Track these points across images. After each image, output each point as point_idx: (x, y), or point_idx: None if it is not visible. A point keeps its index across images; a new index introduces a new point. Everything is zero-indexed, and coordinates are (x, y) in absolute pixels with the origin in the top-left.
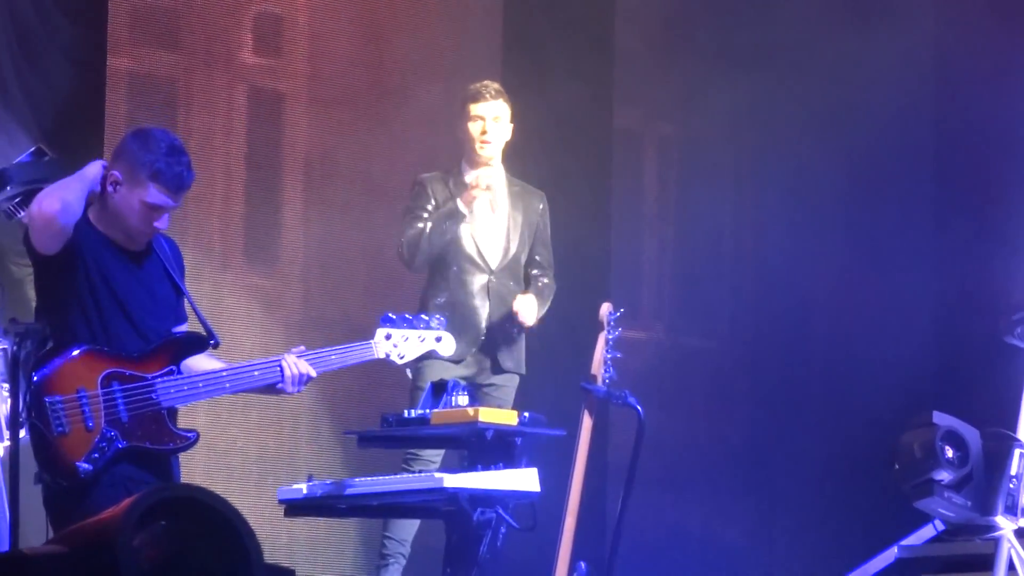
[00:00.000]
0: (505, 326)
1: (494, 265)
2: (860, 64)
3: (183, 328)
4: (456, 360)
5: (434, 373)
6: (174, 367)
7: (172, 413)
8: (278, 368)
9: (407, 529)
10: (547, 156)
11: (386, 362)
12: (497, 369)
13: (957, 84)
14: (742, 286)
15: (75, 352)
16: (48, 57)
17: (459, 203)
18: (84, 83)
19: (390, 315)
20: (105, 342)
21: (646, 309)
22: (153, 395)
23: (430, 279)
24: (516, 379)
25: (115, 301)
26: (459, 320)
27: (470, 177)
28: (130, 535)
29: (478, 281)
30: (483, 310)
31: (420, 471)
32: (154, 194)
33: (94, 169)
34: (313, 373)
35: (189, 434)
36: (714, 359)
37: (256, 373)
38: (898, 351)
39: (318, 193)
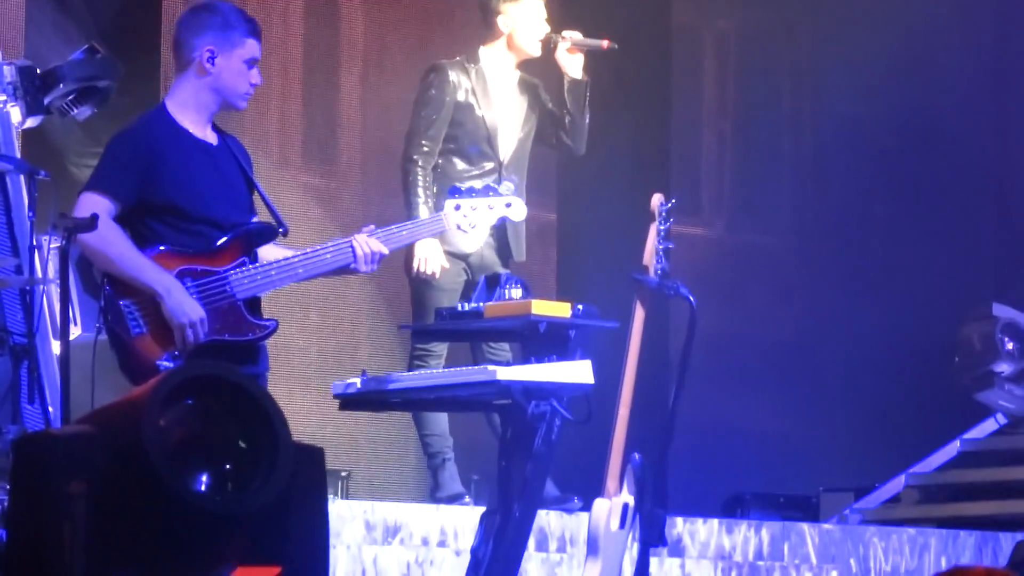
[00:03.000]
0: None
1: (504, 157)
2: None
3: (255, 220)
4: (464, 255)
5: (439, 275)
6: (246, 258)
7: (251, 304)
8: (350, 248)
9: (442, 422)
10: (605, 53)
11: (457, 232)
12: (506, 263)
13: None
14: (801, 180)
15: (147, 253)
16: None
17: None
18: None
19: (458, 186)
20: (188, 237)
21: (706, 206)
22: (228, 287)
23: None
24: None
25: (197, 196)
26: None
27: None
28: (156, 414)
29: (489, 179)
30: None
31: (436, 366)
32: (252, 47)
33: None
34: (385, 250)
35: (268, 323)
36: (774, 254)
37: (328, 256)
38: (958, 242)
39: (375, 90)
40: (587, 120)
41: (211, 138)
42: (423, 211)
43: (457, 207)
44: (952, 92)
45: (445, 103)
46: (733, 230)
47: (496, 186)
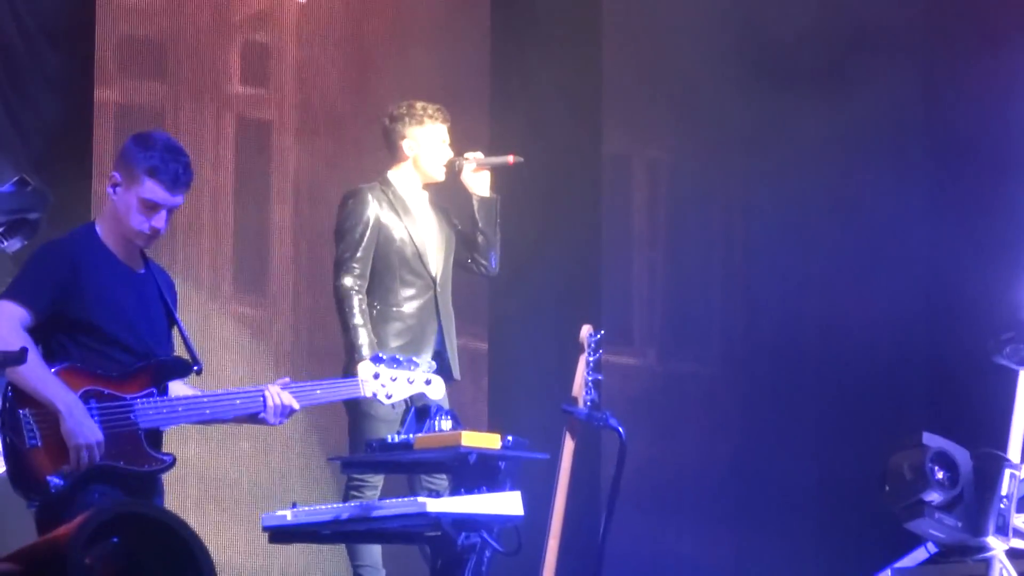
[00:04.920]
0: (451, 339)
1: (436, 273)
2: (852, 85)
3: (171, 353)
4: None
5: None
6: (155, 389)
7: (152, 435)
8: (260, 398)
9: (375, 554)
10: (536, 181)
11: (372, 400)
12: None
13: (948, 102)
14: (732, 309)
15: (54, 368)
16: (36, 88)
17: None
18: (72, 114)
19: (380, 355)
20: (99, 358)
21: (638, 335)
22: (131, 415)
23: (367, 294)
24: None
25: (113, 319)
26: (412, 342)
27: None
28: (82, 552)
29: (425, 297)
30: (432, 328)
31: (371, 496)
32: (150, 189)
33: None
34: (296, 406)
35: (165, 456)
36: (706, 384)
37: (238, 402)
38: (889, 372)
39: (307, 222)
40: (499, 238)
41: (137, 264)
42: (362, 335)
43: (376, 375)
44: (885, 221)
45: (369, 225)
46: (665, 359)
47: (418, 360)
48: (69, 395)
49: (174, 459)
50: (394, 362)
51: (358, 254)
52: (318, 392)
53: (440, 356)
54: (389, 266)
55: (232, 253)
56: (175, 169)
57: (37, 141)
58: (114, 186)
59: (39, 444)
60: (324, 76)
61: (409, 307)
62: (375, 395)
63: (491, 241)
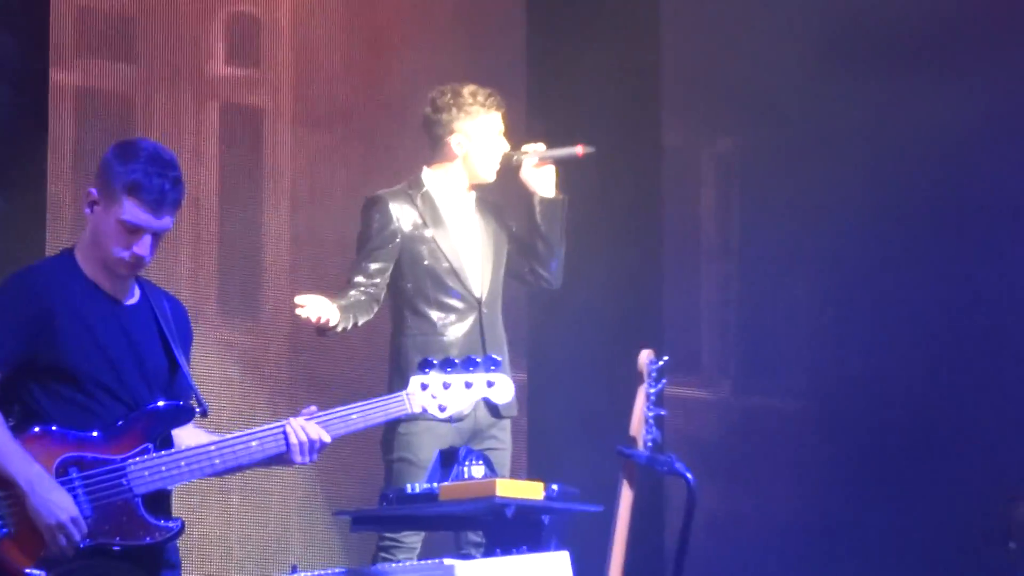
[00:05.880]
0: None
1: (481, 293)
2: (961, 69)
3: (163, 400)
4: (457, 417)
5: (423, 440)
6: (150, 444)
7: (153, 499)
8: (282, 435)
9: None
10: (584, 182)
11: (425, 416)
12: (495, 414)
13: None
14: (820, 333)
15: (24, 436)
16: None
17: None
18: (22, 102)
19: (431, 360)
20: (78, 412)
21: (708, 363)
22: (123, 480)
23: (401, 322)
24: (508, 423)
25: (93, 363)
26: None
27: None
28: None
29: (468, 321)
30: (478, 353)
31: (405, 560)
32: (129, 210)
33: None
34: (327, 438)
35: (171, 524)
36: (789, 421)
37: (254, 444)
38: (1006, 406)
39: (307, 230)
40: (563, 246)
41: (124, 294)
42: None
43: (424, 386)
44: (1003, 230)
45: (390, 239)
46: (740, 392)
47: (478, 360)
48: (32, 467)
49: (182, 524)
50: (448, 365)
51: (371, 260)
52: (354, 417)
53: None
54: (420, 289)
55: (217, 268)
56: (160, 185)
57: None
58: (91, 204)
59: (11, 532)
60: (327, 56)
61: (451, 334)
62: (425, 409)
63: (555, 251)
